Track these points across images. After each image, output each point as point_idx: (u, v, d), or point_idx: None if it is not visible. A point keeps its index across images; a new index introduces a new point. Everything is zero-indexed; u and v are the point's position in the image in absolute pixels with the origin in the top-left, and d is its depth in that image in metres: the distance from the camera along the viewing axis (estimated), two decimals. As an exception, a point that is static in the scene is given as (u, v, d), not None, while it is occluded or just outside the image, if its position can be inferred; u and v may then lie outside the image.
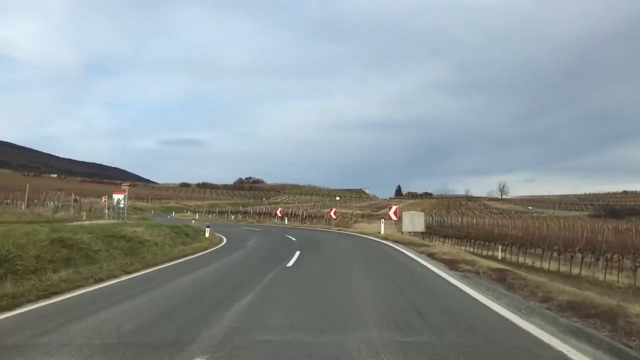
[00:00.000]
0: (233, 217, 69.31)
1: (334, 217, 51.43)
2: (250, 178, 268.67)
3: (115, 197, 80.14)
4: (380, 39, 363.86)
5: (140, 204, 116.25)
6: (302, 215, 63.78)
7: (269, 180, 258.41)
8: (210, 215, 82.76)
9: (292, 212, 68.52)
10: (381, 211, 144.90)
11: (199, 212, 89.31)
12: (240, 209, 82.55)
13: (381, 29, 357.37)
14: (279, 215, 60.61)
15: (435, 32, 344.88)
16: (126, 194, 66.28)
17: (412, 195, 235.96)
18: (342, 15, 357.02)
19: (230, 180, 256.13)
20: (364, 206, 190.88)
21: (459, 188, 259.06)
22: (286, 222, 57.00)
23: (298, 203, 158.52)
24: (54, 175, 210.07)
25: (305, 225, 54.37)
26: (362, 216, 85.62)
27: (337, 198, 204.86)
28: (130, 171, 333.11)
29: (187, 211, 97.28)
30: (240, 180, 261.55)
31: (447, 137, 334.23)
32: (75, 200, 77.77)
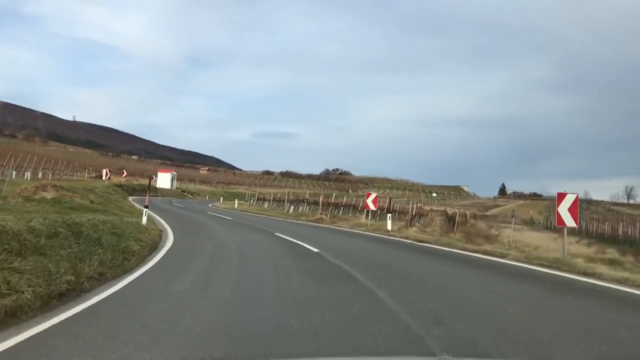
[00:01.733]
0: (292, 208, 45.33)
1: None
2: (337, 170, 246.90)
3: (160, 175, 69.58)
4: (478, 35, 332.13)
5: (197, 186, 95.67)
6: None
7: (357, 173, 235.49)
8: (266, 204, 60.08)
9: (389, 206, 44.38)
10: (490, 211, 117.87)
11: (262, 199, 66.94)
12: (305, 197, 58.86)
13: (479, 24, 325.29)
14: (372, 207, 28.13)
15: (537, 28, 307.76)
16: (174, 174, 56.72)
17: (518, 196, 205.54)
18: (439, 10, 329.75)
19: (316, 171, 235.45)
20: (467, 204, 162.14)
21: (559, 191, 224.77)
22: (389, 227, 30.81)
23: (390, 197, 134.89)
24: (135, 157, 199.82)
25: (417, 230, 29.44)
26: (474, 217, 61.54)
27: (434, 194, 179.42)
28: (225, 160, 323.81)
29: (251, 199, 75.62)
30: (326, 171, 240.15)
31: (546, 137, 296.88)
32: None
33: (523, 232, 47.09)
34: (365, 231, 23.60)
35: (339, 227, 27.19)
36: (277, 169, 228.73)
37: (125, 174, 67.86)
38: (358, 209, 53.84)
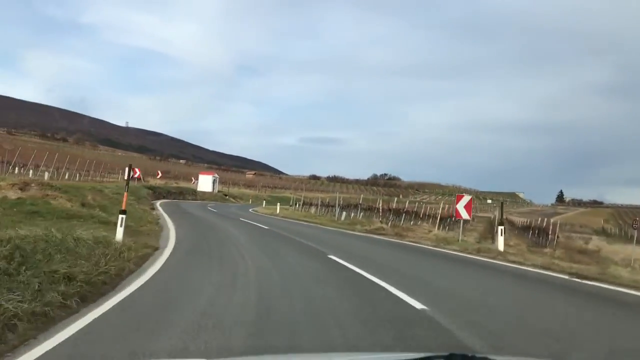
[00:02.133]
0: (343, 214, 38.18)
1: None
2: (385, 175, 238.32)
3: (202, 177, 66.97)
4: (528, 39, 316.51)
5: (241, 190, 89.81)
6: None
7: (406, 179, 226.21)
8: (312, 209, 53.30)
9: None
10: (552, 220, 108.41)
11: (308, 204, 60.34)
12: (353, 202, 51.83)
13: (529, 27, 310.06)
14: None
15: (592, 31, 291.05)
16: (215, 176, 63.04)
17: (577, 203, 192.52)
18: (487, 14, 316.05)
19: (364, 176, 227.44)
20: (524, 212, 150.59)
21: (617, 199, 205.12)
22: (501, 246, 22.91)
23: (443, 204, 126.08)
24: (183, 161, 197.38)
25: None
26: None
27: (489, 201, 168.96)
28: (271, 165, 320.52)
29: (296, 203, 69.07)
30: (374, 177, 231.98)
31: (603, 143, 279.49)
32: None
33: (611, 245, 39.09)
34: (462, 252, 16.13)
35: (414, 242, 19.94)
36: (323, 174, 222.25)
37: (159, 174, 62.16)
38: (420, 216, 46.38)
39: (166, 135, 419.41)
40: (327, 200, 54.92)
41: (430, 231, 33.73)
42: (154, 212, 23.40)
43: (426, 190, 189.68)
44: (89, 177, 51.07)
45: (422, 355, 2.08)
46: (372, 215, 45.19)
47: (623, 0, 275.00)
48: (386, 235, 24.17)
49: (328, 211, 48.55)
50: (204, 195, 67.22)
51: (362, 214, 43.02)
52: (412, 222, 41.19)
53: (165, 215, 23.84)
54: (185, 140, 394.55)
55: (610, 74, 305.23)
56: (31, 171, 40.33)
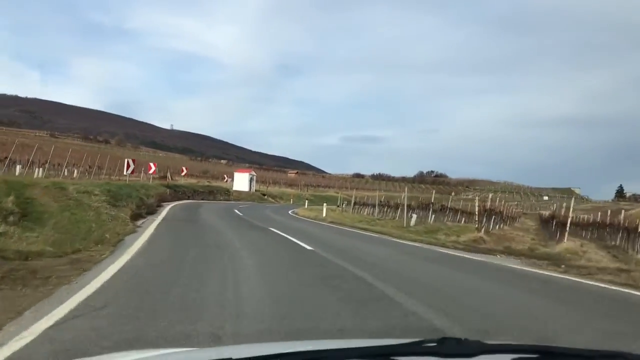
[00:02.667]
0: (414, 217, 27.93)
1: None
2: (431, 172, 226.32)
3: (237, 175, 58.60)
4: (577, 31, 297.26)
5: (282, 189, 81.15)
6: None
7: (453, 176, 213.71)
8: (365, 211, 44.10)
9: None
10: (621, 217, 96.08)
11: (359, 204, 51.24)
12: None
13: (577, 19, 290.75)
14: None
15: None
16: (252, 174, 55.49)
17: (638, 198, 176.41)
18: (533, 6, 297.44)
19: (408, 174, 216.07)
20: (586, 209, 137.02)
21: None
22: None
23: (498, 201, 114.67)
24: (224, 161, 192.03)
25: None
26: None
27: (545, 197, 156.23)
28: (313, 165, 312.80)
29: (343, 203, 59.88)
30: (420, 174, 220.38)
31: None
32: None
33: None
34: None
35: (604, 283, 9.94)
36: (365, 172, 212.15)
37: (184, 171, 53.57)
38: (503, 218, 36.35)
39: (210, 137, 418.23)
40: (383, 199, 45.35)
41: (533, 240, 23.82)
42: (129, 227, 14.18)
43: (477, 188, 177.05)
44: (115, 176, 43.95)
45: (414, 340, 2.05)
46: (441, 216, 35.52)
47: None
48: (510, 256, 14.49)
49: (386, 212, 38.95)
50: (240, 195, 58.59)
51: (433, 216, 33.34)
52: (499, 226, 31.21)
53: (149, 231, 14.67)
54: (229, 141, 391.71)
55: None
56: (66, 170, 40.86)
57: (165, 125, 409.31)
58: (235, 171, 69.33)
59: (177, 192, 39.05)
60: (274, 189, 79.76)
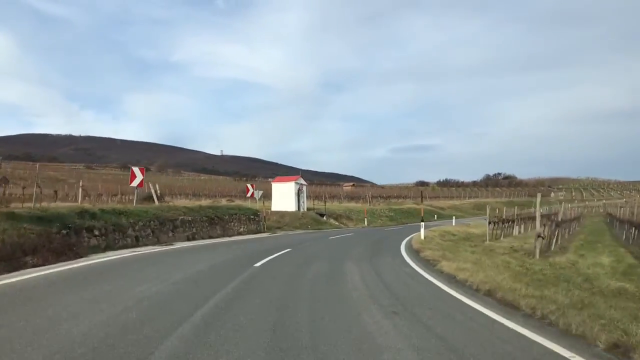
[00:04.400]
0: None
1: None
2: (499, 174, 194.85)
3: (277, 187, 43.84)
4: (627, 18, 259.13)
5: (343, 205, 54.67)
6: None
7: (521, 176, 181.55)
8: (516, 230, 14.63)
9: None
10: None
11: (503, 220, 22.69)
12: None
13: (625, 6, 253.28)
14: None
15: None
16: (301, 183, 40.62)
17: None
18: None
19: (466, 179, 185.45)
20: None
21: None
22: None
23: (603, 200, 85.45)
24: (270, 179, 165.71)
25: None
26: None
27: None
28: (364, 178, 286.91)
29: (452, 219, 32.26)
30: (487, 177, 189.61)
31: None
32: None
33: None
34: None
35: None
36: (414, 181, 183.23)
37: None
38: None
39: (260, 160, 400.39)
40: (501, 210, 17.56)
41: None
42: None
43: (560, 186, 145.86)
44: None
45: None
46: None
47: None
48: None
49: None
50: (282, 220, 32.74)
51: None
52: None
53: None
54: (278, 162, 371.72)
55: None
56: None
57: (216, 151, 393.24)
58: (274, 181, 43.34)
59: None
60: (333, 205, 53.22)
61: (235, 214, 24.75)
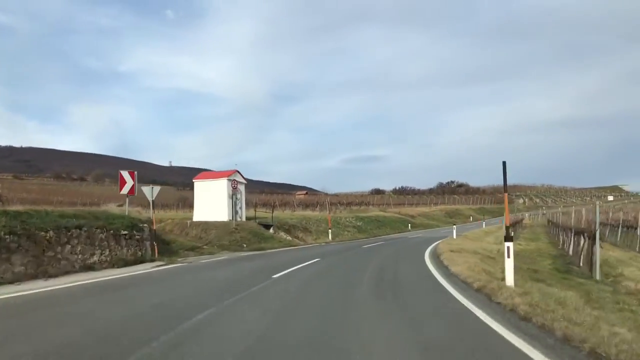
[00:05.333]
0: None
1: None
2: (452, 182, 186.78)
3: (200, 186, 33.59)
4: (562, 33, 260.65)
5: (297, 213, 41.85)
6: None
7: (472, 184, 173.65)
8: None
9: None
10: None
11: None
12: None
13: (565, 21, 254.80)
14: None
15: (627, 18, 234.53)
16: (237, 179, 28.60)
17: None
18: (521, 14, 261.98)
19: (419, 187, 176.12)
20: None
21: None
22: None
23: (564, 207, 77.27)
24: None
25: None
26: None
27: (610, 197, 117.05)
28: (316, 188, 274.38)
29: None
30: (440, 184, 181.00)
31: None
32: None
33: None
34: None
35: None
36: (368, 189, 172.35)
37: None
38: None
39: (210, 170, 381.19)
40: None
41: None
42: None
43: (518, 193, 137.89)
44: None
45: None
46: None
47: None
48: None
49: None
50: (206, 234, 19.88)
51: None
52: None
53: None
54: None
55: None
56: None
57: (164, 162, 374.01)
58: (197, 178, 29.78)
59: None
60: (284, 214, 40.17)
61: (82, 228, 11.60)
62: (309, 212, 45.26)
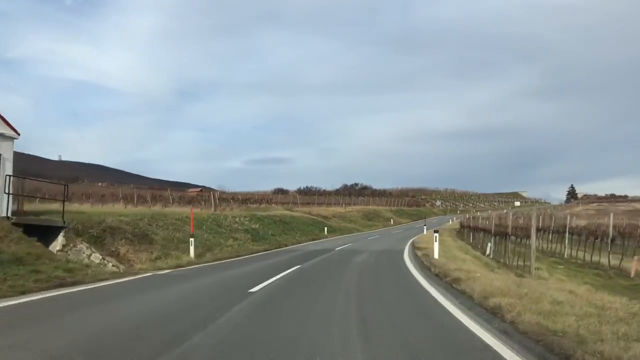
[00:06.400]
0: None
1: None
2: (356, 184, 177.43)
3: None
4: (463, 48, 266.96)
5: (175, 209, 25.62)
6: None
7: (376, 186, 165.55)
8: None
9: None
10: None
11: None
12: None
13: (463, 37, 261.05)
14: None
15: (522, 37, 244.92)
16: None
17: (598, 198, 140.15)
18: (421, 28, 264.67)
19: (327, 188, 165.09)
20: (591, 213, 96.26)
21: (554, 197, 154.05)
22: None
23: (477, 211, 69.97)
24: (102, 184, 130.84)
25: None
26: None
27: (517, 203, 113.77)
28: (216, 188, 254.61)
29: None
30: (345, 186, 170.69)
31: (538, 145, 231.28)
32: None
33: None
34: None
35: None
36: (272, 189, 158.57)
37: None
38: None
39: (103, 166, 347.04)
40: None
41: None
42: None
43: (423, 197, 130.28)
44: None
45: None
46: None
47: (542, 7, 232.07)
48: None
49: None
50: None
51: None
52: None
53: None
54: (126, 170, 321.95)
55: (540, 77, 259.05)
56: None
57: (54, 156, 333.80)
58: None
59: None
60: (126, 210, 24.47)
61: None
62: (182, 209, 29.62)
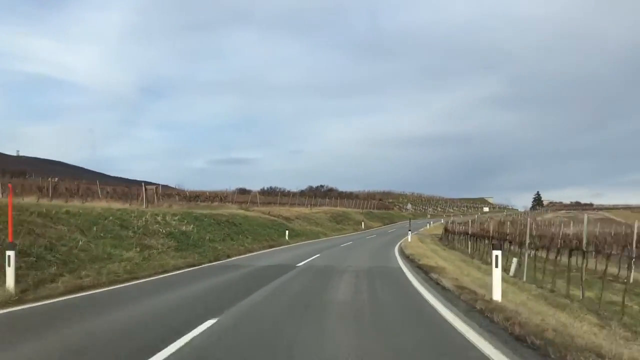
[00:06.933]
0: None
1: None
2: (322, 186, 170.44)
3: None
4: (428, 55, 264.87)
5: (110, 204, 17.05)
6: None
7: (342, 189, 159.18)
8: None
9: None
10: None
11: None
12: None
13: (430, 45, 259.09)
14: None
15: (487, 47, 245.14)
16: None
17: (564, 206, 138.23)
18: (389, 34, 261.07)
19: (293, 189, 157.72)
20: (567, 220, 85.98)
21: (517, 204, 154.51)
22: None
23: (448, 215, 64.84)
24: (55, 179, 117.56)
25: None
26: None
27: (486, 209, 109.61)
28: (173, 186, 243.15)
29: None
30: (310, 188, 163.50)
31: (501, 152, 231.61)
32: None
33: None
34: None
35: None
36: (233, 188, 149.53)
37: None
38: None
39: (63, 163, 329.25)
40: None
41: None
42: None
43: (390, 201, 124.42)
44: None
45: None
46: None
47: (506, 17, 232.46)
48: None
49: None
50: None
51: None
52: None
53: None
54: (86, 167, 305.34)
55: (504, 87, 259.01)
56: None
57: (11, 152, 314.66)
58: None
59: None
60: (100, 205, 16.59)
61: None
62: (100, 203, 21.49)
